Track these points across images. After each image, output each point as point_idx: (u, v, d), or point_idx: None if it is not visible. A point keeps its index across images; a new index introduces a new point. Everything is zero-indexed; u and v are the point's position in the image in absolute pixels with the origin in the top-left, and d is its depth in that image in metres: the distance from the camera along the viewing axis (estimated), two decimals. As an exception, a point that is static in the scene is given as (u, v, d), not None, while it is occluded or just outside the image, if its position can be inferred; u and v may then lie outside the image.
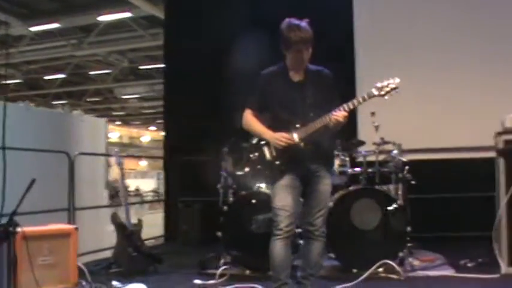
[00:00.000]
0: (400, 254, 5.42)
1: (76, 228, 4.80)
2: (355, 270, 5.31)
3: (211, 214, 7.38)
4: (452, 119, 6.99)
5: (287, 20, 4.09)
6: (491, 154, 5.81)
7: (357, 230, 5.49)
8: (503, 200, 5.25)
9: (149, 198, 28.57)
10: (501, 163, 5.30)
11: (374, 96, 4.00)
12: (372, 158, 6.02)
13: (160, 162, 9.80)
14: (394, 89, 3.99)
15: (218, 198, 6.24)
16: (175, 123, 8.61)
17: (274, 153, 4.11)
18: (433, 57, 7.29)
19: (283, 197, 4.05)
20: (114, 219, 5.73)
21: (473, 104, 6.93)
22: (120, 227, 5.73)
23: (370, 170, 5.93)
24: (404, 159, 5.92)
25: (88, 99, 29.69)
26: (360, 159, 6.03)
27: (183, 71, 8.45)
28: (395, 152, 5.96)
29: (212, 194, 7.33)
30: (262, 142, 4.20)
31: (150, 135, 47.07)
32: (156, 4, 14.08)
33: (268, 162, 4.13)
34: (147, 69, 23.42)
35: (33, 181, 3.95)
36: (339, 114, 3.95)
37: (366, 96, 3.98)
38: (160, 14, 14.43)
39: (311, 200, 4.16)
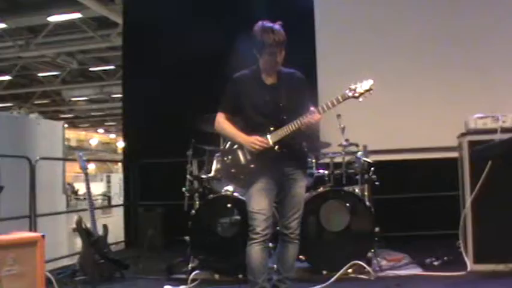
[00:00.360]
0: (369, 254, 5.46)
1: (43, 236, 4.64)
2: (325, 272, 5.32)
3: (174, 218, 7.36)
4: (416, 120, 7.10)
5: (260, 22, 4.07)
6: (454, 154, 5.95)
7: (325, 232, 5.52)
8: (468, 199, 5.33)
9: (99, 201, 28.14)
10: (466, 163, 5.39)
11: (348, 98, 4.01)
12: (337, 160, 6.04)
13: (110, 165, 9.61)
14: (368, 90, 4.01)
15: (181, 202, 6.18)
16: (135, 125, 8.45)
17: (248, 157, 4.08)
18: (397, 60, 7.39)
19: (259, 200, 4.02)
20: (79, 225, 5.58)
21: (436, 106, 7.06)
22: (86, 234, 5.58)
23: (336, 171, 5.94)
24: (369, 160, 5.98)
25: (35, 102, 28.98)
26: (327, 160, 6.03)
27: (141, 72, 8.31)
28: (360, 153, 6.03)
29: (174, 198, 7.30)
30: (235, 146, 4.17)
31: (99, 137, 46.37)
32: (106, 5, 13.84)
33: (243, 166, 4.10)
34: (96, 71, 23.05)
35: (1, 188, 3.81)
36: (314, 117, 3.96)
37: (340, 98, 3.99)
38: (111, 15, 14.27)
39: (286, 203, 4.15)
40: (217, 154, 6.09)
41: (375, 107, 6.22)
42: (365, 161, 5.96)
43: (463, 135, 5.55)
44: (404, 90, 7.13)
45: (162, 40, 8.09)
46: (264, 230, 3.98)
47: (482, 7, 7.39)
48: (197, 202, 5.99)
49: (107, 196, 30.28)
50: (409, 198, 7.19)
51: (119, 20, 14.48)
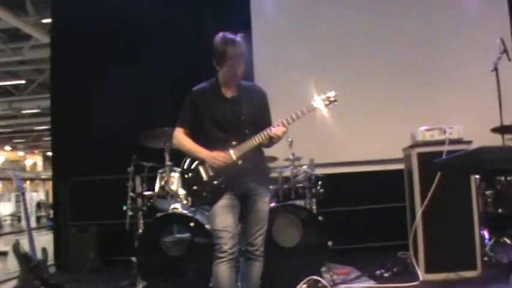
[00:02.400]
0: (323, 269, 5.40)
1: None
2: (279, 289, 5.22)
3: (111, 238, 7.05)
4: (362, 134, 7.16)
5: (221, 33, 3.95)
6: (400, 166, 6.02)
7: (278, 247, 5.40)
8: (419, 210, 5.38)
9: (8, 222, 26.84)
10: (415, 175, 5.44)
11: (314, 109, 3.95)
12: (285, 174, 5.97)
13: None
14: (333, 101, 3.97)
15: (117, 221, 5.95)
16: (65, 141, 8.05)
17: (211, 173, 3.93)
18: (343, 73, 7.42)
19: (224, 218, 3.87)
20: (17, 249, 5.21)
21: (380, 120, 7.14)
22: (24, 258, 5.22)
23: (285, 186, 5.87)
24: (317, 173, 5.95)
25: None
26: (275, 175, 5.94)
27: (72, 84, 7.95)
28: (305, 167, 5.99)
29: (109, 217, 7.02)
30: (197, 162, 4.01)
31: (5, 155, 44.37)
32: (19, 16, 13.17)
33: (205, 183, 3.95)
34: (5, 85, 21.99)
35: None
36: (279, 129, 3.87)
37: (304, 110, 3.93)
38: (23, 27, 13.58)
39: (251, 219, 4.02)
40: (160, 170, 5.90)
41: (321, 120, 6.21)
42: (312, 174, 5.93)
43: (411, 147, 5.61)
44: (349, 105, 7.14)
45: (95, 50, 7.79)
46: (231, 248, 3.83)
47: (424, 25, 7.59)
48: (141, 221, 5.75)
49: (15, 216, 28.99)
50: (352, 210, 7.21)
51: (32, 33, 13.93)
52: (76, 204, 7.75)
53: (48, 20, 10.73)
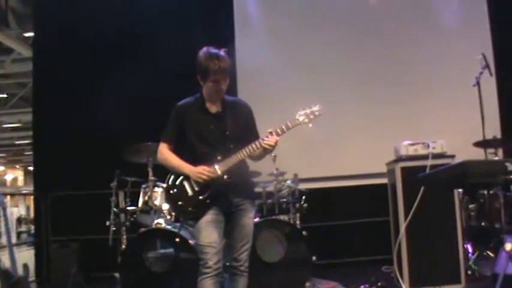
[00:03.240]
0: (307, 284, 5.39)
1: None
2: (263, 305, 5.20)
3: (92, 254, 6.97)
4: (346, 148, 7.18)
5: (205, 48, 3.96)
6: (384, 180, 6.04)
7: (262, 263, 5.38)
8: (402, 225, 5.39)
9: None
10: (399, 189, 5.47)
11: (299, 124, 3.96)
12: (269, 189, 5.98)
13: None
14: (318, 115, 3.98)
15: (99, 236, 5.92)
16: (47, 155, 7.96)
17: (196, 188, 3.92)
18: (327, 88, 7.44)
19: (209, 233, 3.85)
20: (-3, 266, 5.13)
21: (365, 133, 7.16)
22: (5, 275, 5.12)
23: (269, 200, 5.86)
24: (301, 188, 5.96)
25: None
26: (259, 190, 5.92)
27: (54, 99, 7.87)
28: (289, 182, 6.00)
29: (91, 232, 6.95)
30: (181, 177, 3.98)
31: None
32: (0, 30, 13.03)
33: (190, 198, 3.93)
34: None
35: None
36: (272, 139, 3.86)
37: (289, 125, 3.93)
38: (5, 40, 13.45)
39: (236, 235, 4.00)
40: (143, 185, 5.86)
41: (304, 135, 6.23)
42: (296, 189, 5.94)
43: (394, 161, 5.63)
44: (333, 119, 7.18)
45: (78, 64, 7.76)
46: (216, 264, 3.81)
47: (406, 41, 7.65)
48: (124, 236, 5.70)
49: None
50: (335, 225, 7.22)
51: (14, 46, 13.84)
52: (58, 219, 7.64)
53: (31, 34, 10.70)
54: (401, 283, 5.40)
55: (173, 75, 7.27)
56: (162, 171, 5.64)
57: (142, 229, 5.47)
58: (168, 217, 5.67)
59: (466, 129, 6.70)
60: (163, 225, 5.43)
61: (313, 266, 5.46)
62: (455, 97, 7.22)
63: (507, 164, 4.00)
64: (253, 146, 3.85)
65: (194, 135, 3.98)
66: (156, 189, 5.76)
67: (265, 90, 7.46)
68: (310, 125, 3.97)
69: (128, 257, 5.33)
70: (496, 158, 6.21)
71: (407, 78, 7.54)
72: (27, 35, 12.86)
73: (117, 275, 5.32)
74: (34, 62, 8.40)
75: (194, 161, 3.95)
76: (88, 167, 7.42)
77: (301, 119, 3.95)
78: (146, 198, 5.76)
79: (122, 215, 5.78)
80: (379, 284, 5.76)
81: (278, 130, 3.88)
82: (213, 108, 4.03)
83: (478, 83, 5.98)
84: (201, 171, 3.85)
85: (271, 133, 3.88)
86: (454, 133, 6.39)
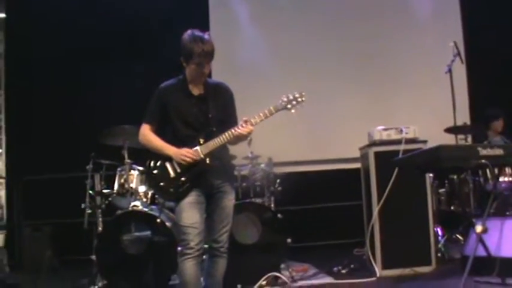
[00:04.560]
0: (282, 266, 5.47)
1: None
2: (239, 286, 5.26)
3: (65, 237, 6.95)
4: (320, 133, 7.26)
5: (190, 31, 3.96)
6: (357, 165, 6.16)
7: (238, 245, 5.43)
8: (375, 209, 5.51)
9: None
10: (372, 173, 5.58)
11: (281, 109, 4.00)
12: (243, 172, 6.04)
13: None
14: (301, 102, 4.03)
15: (72, 220, 5.95)
16: (19, 138, 7.88)
17: (178, 170, 3.94)
18: (302, 73, 7.54)
19: (191, 214, 3.88)
20: (-28, 249, 5.11)
21: (338, 119, 7.26)
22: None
23: (244, 184, 5.92)
24: (275, 172, 6.04)
25: None
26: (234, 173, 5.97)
27: (28, 77, 7.77)
28: (263, 165, 6.06)
29: (63, 215, 6.94)
30: (163, 158, 4.00)
31: None
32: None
33: (172, 179, 3.94)
34: None
35: None
36: (246, 129, 3.90)
37: (272, 110, 3.96)
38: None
39: (216, 216, 4.03)
40: (119, 168, 5.87)
41: (279, 119, 6.29)
42: (271, 172, 6.01)
43: (368, 146, 5.74)
44: (307, 105, 7.28)
45: (54, 44, 7.67)
46: (198, 245, 3.85)
47: (379, 28, 7.83)
48: (100, 219, 5.70)
49: None
50: (309, 208, 7.32)
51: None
52: (30, 203, 7.58)
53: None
54: (374, 265, 5.53)
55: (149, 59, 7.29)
56: (137, 154, 5.74)
57: (119, 211, 5.50)
58: (145, 200, 5.72)
59: (437, 115, 6.88)
60: (140, 207, 5.45)
61: (288, 249, 5.54)
62: (427, 84, 7.41)
63: (479, 148, 4.15)
64: (229, 133, 3.88)
65: (177, 117, 3.99)
66: (132, 171, 5.78)
67: (241, 75, 7.49)
68: (293, 111, 4.01)
69: (104, 239, 5.35)
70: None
71: (381, 65, 7.70)
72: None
73: (93, 257, 5.33)
74: (6, 43, 8.26)
75: (176, 142, 3.96)
76: (61, 150, 7.38)
77: (284, 105, 3.99)
78: (122, 181, 5.77)
79: (98, 198, 5.77)
80: (352, 266, 5.89)
81: (256, 118, 3.90)
82: (196, 91, 4.05)
83: (450, 71, 6.11)
84: (184, 154, 3.87)
85: (245, 122, 3.91)
86: (425, 119, 6.56)
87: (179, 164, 3.93)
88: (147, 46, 7.51)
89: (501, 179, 6.02)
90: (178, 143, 3.96)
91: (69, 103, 7.47)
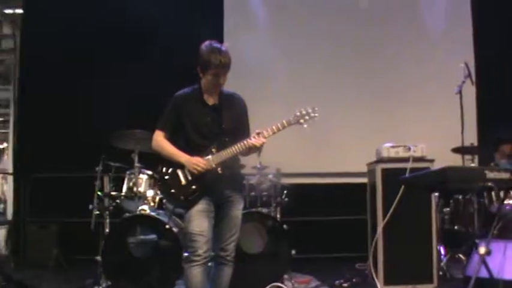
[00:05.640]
0: (285, 277, 5.52)
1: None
2: (241, 295, 5.31)
3: (73, 236, 7.00)
4: (328, 146, 7.30)
5: (208, 42, 4.04)
6: (363, 180, 6.21)
7: (243, 254, 5.48)
8: (380, 224, 5.55)
9: None
10: (379, 189, 5.63)
11: (293, 124, 4.06)
12: (251, 182, 6.10)
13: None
14: (313, 117, 4.09)
15: (79, 220, 6.04)
16: (28, 134, 7.94)
17: (189, 178, 4.00)
18: (312, 87, 7.60)
19: (200, 222, 3.95)
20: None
21: (348, 134, 7.30)
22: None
23: (252, 193, 5.99)
24: (283, 183, 6.10)
25: None
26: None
27: (41, 74, 7.82)
28: (271, 176, 6.13)
29: (70, 215, 7.00)
30: (174, 165, 4.07)
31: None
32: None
33: (183, 187, 4.01)
34: None
35: None
36: (258, 140, 3.96)
37: (285, 123, 4.03)
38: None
39: (224, 225, 4.10)
40: (128, 172, 5.93)
41: (289, 131, 6.38)
42: (278, 183, 6.09)
43: (376, 162, 5.79)
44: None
45: (67, 43, 7.75)
46: (206, 252, 3.92)
47: (390, 47, 7.91)
48: (107, 220, 5.77)
49: None
50: (314, 220, 7.36)
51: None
52: (37, 201, 7.62)
53: (10, 11, 10.59)
54: (376, 280, 5.57)
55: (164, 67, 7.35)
56: (147, 159, 5.82)
57: (127, 214, 5.56)
58: (152, 204, 5.78)
59: (444, 134, 6.90)
60: (148, 211, 5.51)
61: (292, 260, 5.59)
62: (436, 102, 7.46)
63: (486, 171, 4.19)
64: (242, 144, 3.95)
65: (191, 125, 4.06)
66: (141, 175, 5.84)
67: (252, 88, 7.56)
68: (306, 125, 4.07)
69: (111, 241, 5.41)
70: (473, 165, 6.41)
71: (391, 80, 7.75)
72: (7, 11, 12.68)
73: (99, 258, 5.39)
74: (21, 40, 8.32)
75: (188, 150, 4.03)
76: (71, 150, 7.43)
77: (296, 119, 4.05)
78: (131, 184, 5.84)
79: (106, 200, 5.82)
80: (354, 280, 5.94)
81: (269, 130, 3.97)
82: (211, 101, 4.12)
83: (460, 91, 6.15)
84: (196, 163, 3.94)
85: (258, 134, 3.98)
86: (433, 137, 6.55)
87: (191, 172, 3.99)
88: (163, 51, 7.54)
89: (506, 201, 6.08)
90: (191, 151, 4.02)
91: (81, 102, 7.53)
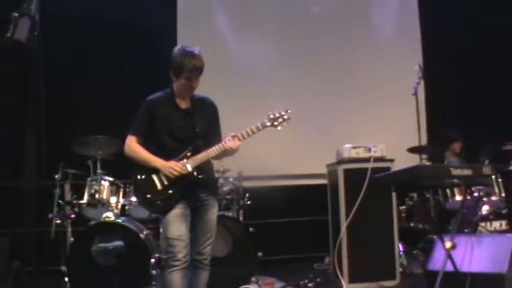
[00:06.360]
0: (252, 279, 5.55)
1: None
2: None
3: (24, 247, 6.80)
4: (288, 148, 7.34)
5: (181, 45, 4.06)
6: (321, 181, 6.33)
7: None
8: (343, 224, 5.66)
9: None
10: (341, 190, 5.74)
11: (267, 126, 4.11)
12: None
13: None
14: (287, 120, 4.15)
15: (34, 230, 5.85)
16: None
17: (165, 182, 3.99)
18: (268, 90, 7.67)
19: (178, 227, 3.94)
20: None
21: (306, 135, 7.38)
22: None
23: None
24: (245, 186, 6.15)
25: None
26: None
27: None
28: (232, 179, 6.16)
29: (25, 225, 6.80)
30: (149, 170, 4.04)
31: None
32: None
33: (160, 192, 3.99)
34: None
35: None
36: (234, 143, 4.00)
37: (260, 126, 4.08)
38: None
39: (200, 229, 4.09)
40: (89, 178, 5.83)
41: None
42: (240, 186, 6.13)
43: (337, 163, 5.90)
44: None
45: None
46: (185, 257, 3.92)
47: (346, 48, 8.02)
48: (69, 229, 5.66)
49: None
50: (274, 223, 7.41)
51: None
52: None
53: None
54: (341, 279, 5.67)
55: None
56: (107, 165, 5.75)
57: (93, 222, 5.47)
58: (116, 211, 5.71)
59: (399, 135, 7.09)
60: (113, 218, 5.44)
61: (258, 262, 5.62)
62: (391, 104, 7.65)
63: (451, 169, 4.36)
64: (218, 147, 3.98)
65: (164, 130, 4.04)
66: (102, 182, 5.76)
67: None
68: (279, 128, 4.13)
69: (76, 249, 5.28)
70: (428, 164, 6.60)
71: (349, 86, 7.90)
72: None
73: (64, 268, 5.27)
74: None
75: (161, 155, 4.01)
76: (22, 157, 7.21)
77: (269, 123, 4.10)
78: (92, 191, 5.74)
79: (68, 208, 5.71)
80: (318, 279, 6.02)
81: (244, 133, 4.02)
82: (183, 104, 4.12)
83: (416, 93, 6.34)
84: (173, 167, 3.93)
85: (233, 137, 4.01)
86: (388, 139, 6.68)
87: (166, 177, 3.98)
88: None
89: (459, 198, 6.31)
90: (164, 155, 4.01)
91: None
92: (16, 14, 3.64)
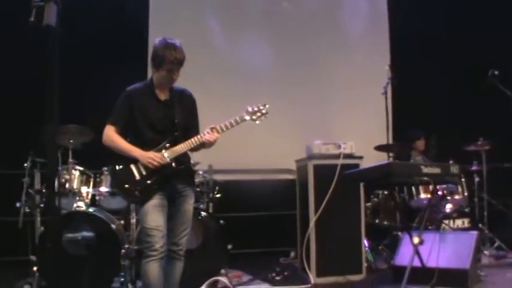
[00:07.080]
0: (222, 271, 5.60)
1: None
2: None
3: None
4: (258, 143, 7.40)
5: (163, 38, 4.07)
6: (289, 176, 6.42)
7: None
8: (313, 218, 5.76)
9: None
10: (310, 185, 5.84)
11: (245, 120, 4.17)
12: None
13: None
14: (265, 114, 4.22)
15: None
16: None
17: (144, 172, 4.01)
18: (242, 84, 7.75)
19: (155, 217, 3.96)
20: None
21: (275, 130, 7.44)
22: None
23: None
24: (215, 179, 6.20)
25: None
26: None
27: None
28: (202, 172, 6.21)
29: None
30: (127, 160, 4.06)
31: None
32: None
33: (138, 182, 4.01)
34: None
35: None
36: (213, 136, 4.04)
37: (238, 120, 4.14)
38: None
39: (176, 220, 4.12)
40: (60, 168, 5.80)
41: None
42: (211, 179, 6.18)
43: (307, 159, 5.99)
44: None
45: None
46: (162, 247, 3.94)
47: (318, 47, 8.14)
48: (39, 218, 5.62)
49: None
50: (243, 216, 7.46)
51: None
52: None
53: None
54: (309, 272, 5.77)
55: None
56: (81, 155, 5.73)
57: (64, 211, 5.44)
58: (87, 200, 5.70)
59: (366, 133, 7.23)
60: (84, 208, 5.43)
61: (229, 255, 5.67)
62: (359, 103, 7.80)
63: (421, 167, 4.51)
64: (196, 139, 4.02)
65: (143, 120, 4.06)
66: (73, 172, 5.74)
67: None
68: (257, 122, 4.20)
69: (46, 239, 5.25)
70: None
71: (319, 82, 8.01)
72: None
73: (33, 258, 5.23)
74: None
75: (139, 145, 4.03)
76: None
77: (248, 117, 4.17)
78: (63, 180, 5.72)
79: (37, 197, 5.66)
80: (286, 273, 6.10)
81: (222, 126, 4.07)
82: (162, 96, 4.14)
83: (385, 92, 6.49)
84: (152, 157, 3.95)
85: (212, 129, 4.06)
86: (356, 137, 6.81)
87: (145, 167, 4.00)
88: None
89: (424, 196, 6.50)
90: (142, 145, 4.04)
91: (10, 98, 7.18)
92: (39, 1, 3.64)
